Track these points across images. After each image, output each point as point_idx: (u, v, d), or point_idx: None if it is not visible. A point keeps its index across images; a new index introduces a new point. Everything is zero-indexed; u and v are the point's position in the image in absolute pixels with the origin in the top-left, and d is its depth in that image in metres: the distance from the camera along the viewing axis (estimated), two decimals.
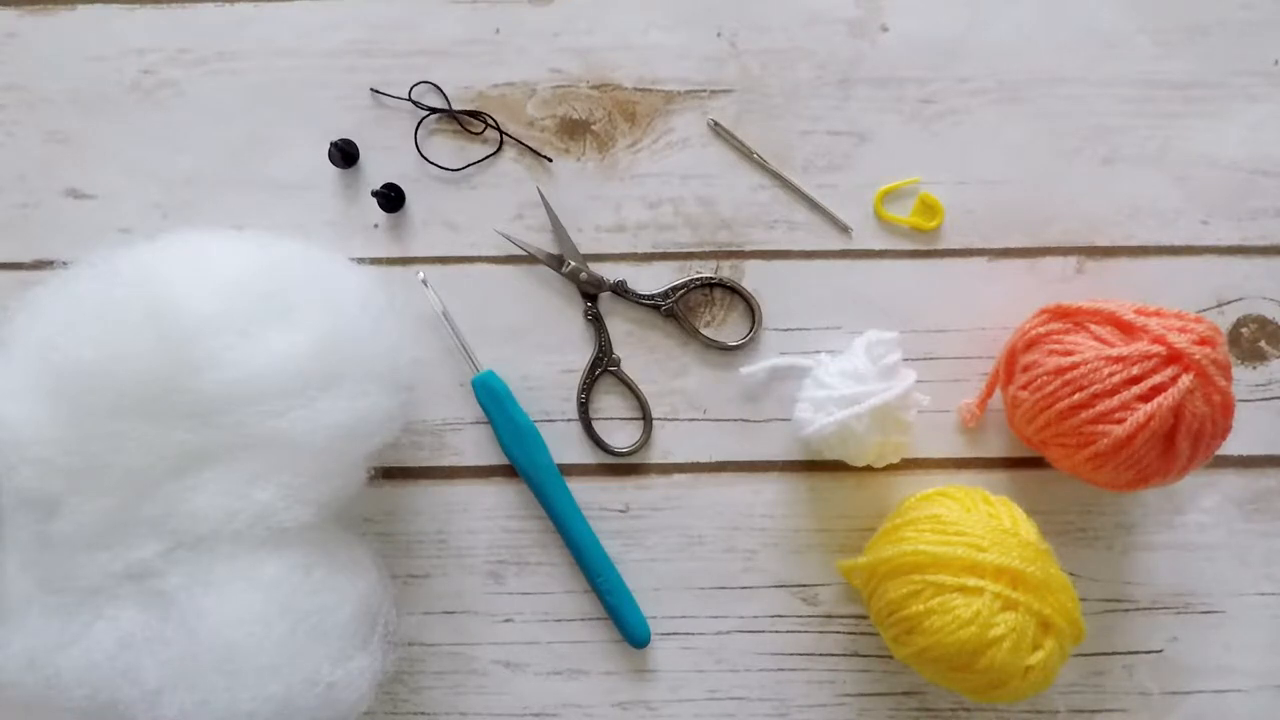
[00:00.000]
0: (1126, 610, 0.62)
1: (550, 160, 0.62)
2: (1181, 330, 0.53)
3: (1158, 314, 0.54)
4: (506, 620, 0.62)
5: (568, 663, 0.62)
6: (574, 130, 0.62)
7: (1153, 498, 0.62)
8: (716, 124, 0.62)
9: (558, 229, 0.62)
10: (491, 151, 0.62)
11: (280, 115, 0.62)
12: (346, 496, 0.55)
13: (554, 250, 0.62)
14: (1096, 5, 0.62)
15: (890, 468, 0.60)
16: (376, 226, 0.62)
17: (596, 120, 0.62)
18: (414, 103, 0.62)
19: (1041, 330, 0.56)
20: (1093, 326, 0.54)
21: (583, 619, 0.62)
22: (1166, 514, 0.62)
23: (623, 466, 0.62)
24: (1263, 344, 0.62)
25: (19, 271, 0.62)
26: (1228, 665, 0.62)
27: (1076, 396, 0.53)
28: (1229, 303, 0.62)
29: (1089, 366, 0.53)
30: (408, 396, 0.56)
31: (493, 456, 0.62)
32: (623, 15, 0.62)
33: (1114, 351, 0.52)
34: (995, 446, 0.62)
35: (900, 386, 0.56)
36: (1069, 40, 0.62)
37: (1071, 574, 0.55)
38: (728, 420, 0.62)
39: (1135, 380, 0.52)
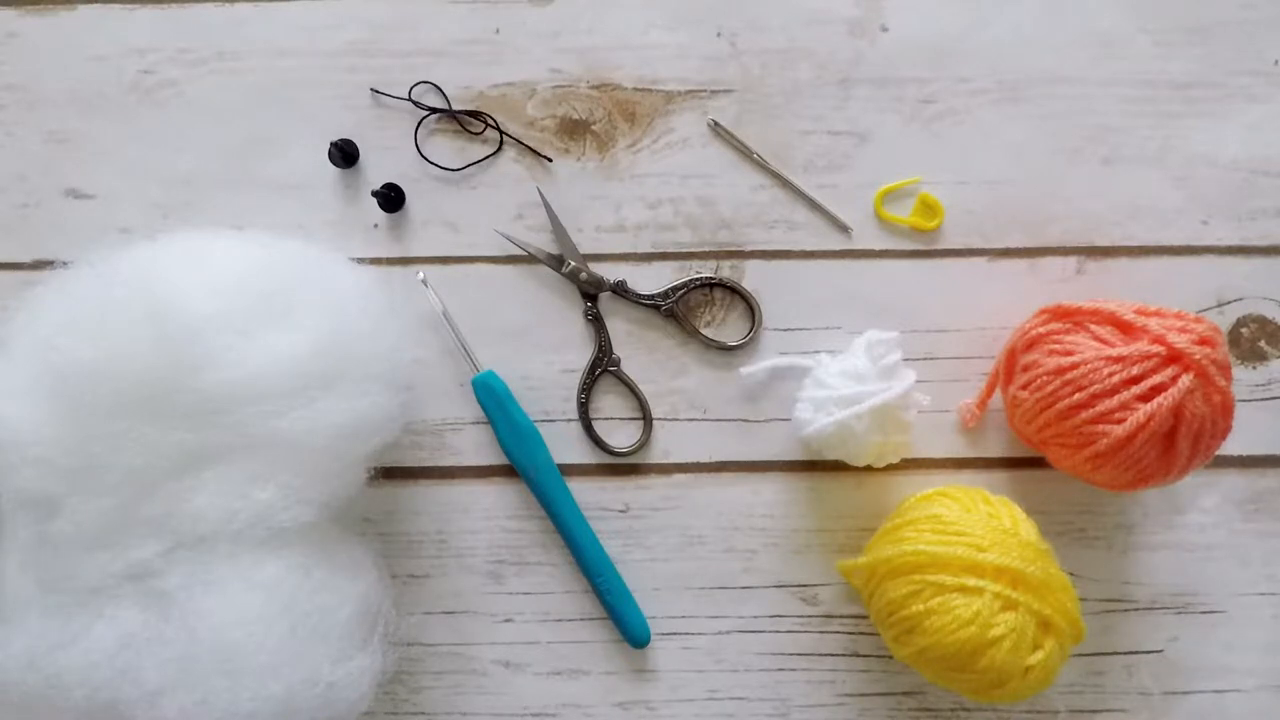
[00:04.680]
0: (1126, 610, 0.62)
1: (550, 160, 0.62)
2: (1181, 330, 0.52)
3: (1158, 314, 0.54)
4: (506, 620, 0.62)
5: (568, 663, 0.62)
6: (574, 130, 0.62)
7: (1153, 498, 0.62)
8: (716, 124, 0.62)
9: (558, 229, 0.62)
10: (491, 151, 0.62)
11: (280, 115, 0.62)
12: (346, 496, 0.55)
13: (554, 250, 0.62)
14: (1096, 5, 0.62)
15: (890, 468, 0.60)
16: (376, 226, 0.62)
17: (596, 120, 0.62)
18: (414, 103, 0.62)
19: (1041, 330, 0.56)
20: (1093, 326, 0.54)
21: (583, 619, 0.62)
22: (1166, 514, 0.62)
23: (623, 466, 0.62)
24: (1263, 344, 0.62)
25: (19, 271, 0.62)
26: (1228, 665, 0.62)
27: (1076, 396, 0.53)
28: (1229, 303, 0.62)
29: (1089, 366, 0.53)
30: (408, 396, 0.56)
31: (493, 456, 0.62)
32: (623, 15, 0.62)
33: (1114, 351, 0.52)
34: (995, 446, 0.62)
35: (900, 386, 0.56)
36: (1069, 40, 0.62)
37: (1071, 574, 0.55)
38: (728, 420, 0.62)
39: (1135, 380, 0.52)
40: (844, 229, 0.62)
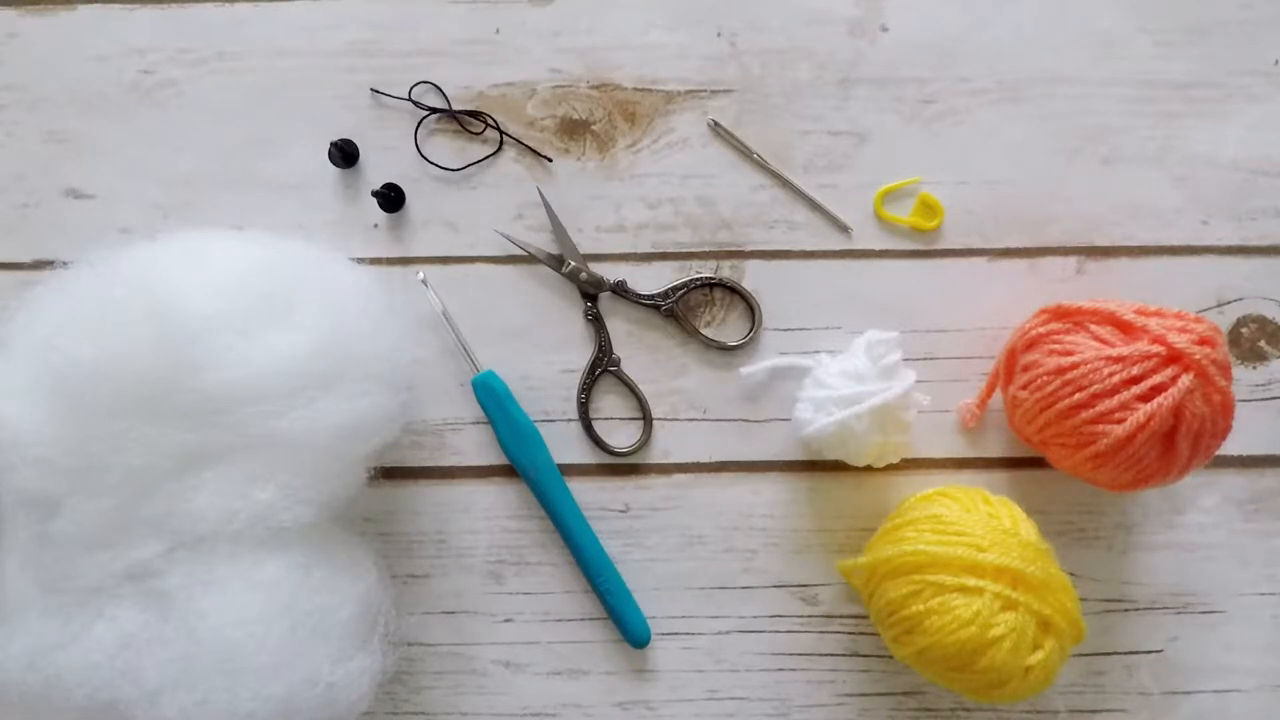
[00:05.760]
0: (1126, 610, 0.62)
1: (550, 160, 0.62)
2: (1181, 330, 0.52)
3: (1158, 314, 0.54)
4: (506, 620, 0.62)
5: (568, 663, 0.62)
6: (574, 130, 0.62)
7: (1153, 498, 0.62)
8: (716, 124, 0.62)
9: (558, 229, 0.62)
10: (491, 151, 0.62)
11: (280, 115, 0.62)
12: (346, 496, 0.55)
13: (554, 250, 0.62)
14: (1096, 5, 0.62)
15: (890, 468, 0.60)
16: (376, 226, 0.62)
17: (596, 120, 0.62)
18: (414, 103, 0.62)
19: (1041, 330, 0.56)
20: (1093, 326, 0.54)
21: (583, 619, 0.62)
22: (1166, 514, 0.62)
23: (623, 466, 0.62)
24: (1263, 344, 0.62)
25: (19, 271, 0.62)
26: (1228, 665, 0.62)
27: (1076, 396, 0.53)
28: (1229, 303, 0.62)
29: (1089, 366, 0.53)
30: (408, 396, 0.56)
31: (493, 456, 0.62)
32: (623, 15, 0.62)
33: (1114, 351, 0.52)
34: (995, 446, 0.62)
35: (900, 386, 0.56)
36: (1069, 40, 0.62)
37: (1071, 574, 0.55)
38: (728, 420, 0.62)
39: (1135, 380, 0.52)
40: (844, 229, 0.62)
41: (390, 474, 0.61)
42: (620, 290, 0.62)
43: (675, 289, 0.62)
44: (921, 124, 0.62)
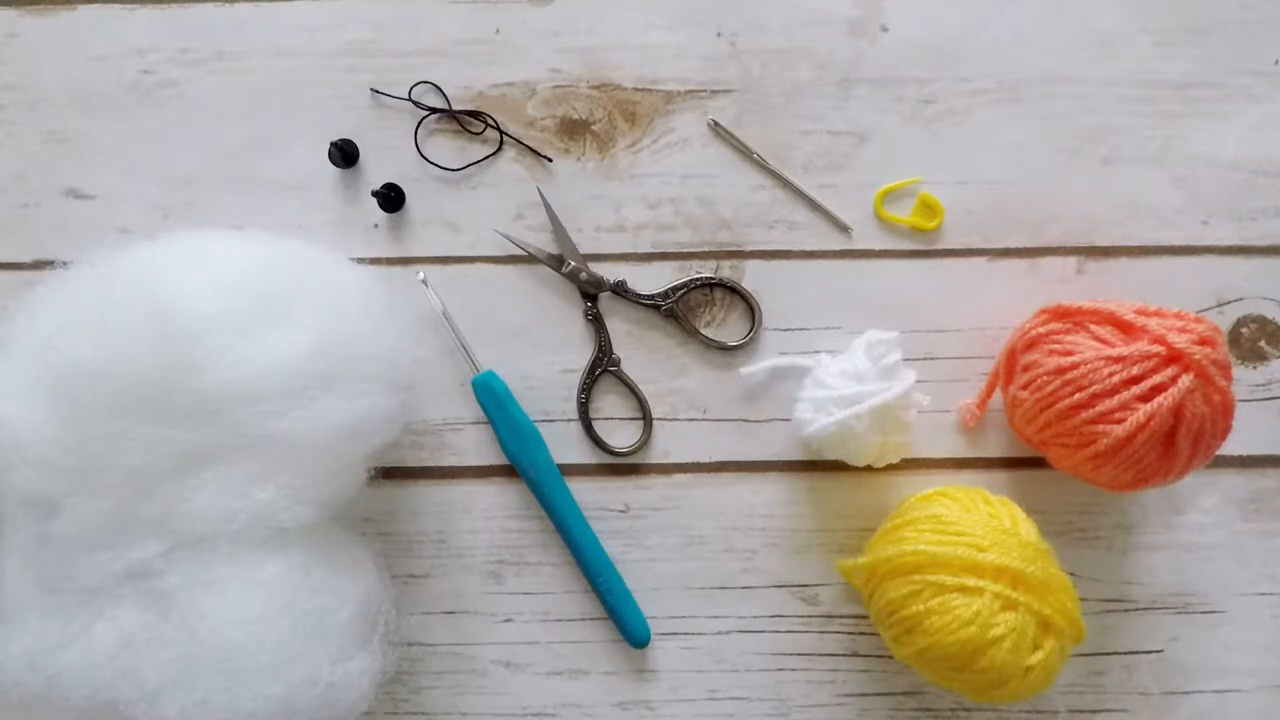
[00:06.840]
0: (1126, 610, 0.62)
1: (550, 160, 0.62)
2: (1181, 330, 0.52)
3: (1158, 314, 0.54)
4: (506, 620, 0.62)
5: (568, 663, 0.62)
6: (574, 130, 0.62)
7: (1153, 498, 0.62)
8: (716, 124, 0.62)
9: (558, 229, 0.62)
10: (491, 151, 0.62)
11: (280, 115, 0.62)
12: (346, 496, 0.55)
13: (554, 250, 0.62)
14: (1096, 5, 0.62)
15: (890, 468, 0.60)
16: (376, 226, 0.62)
17: (596, 120, 0.62)
18: (414, 103, 0.62)
19: (1041, 330, 0.56)
20: (1093, 326, 0.54)
21: (583, 619, 0.62)
22: (1166, 514, 0.62)
23: (623, 466, 0.62)
24: (1263, 344, 0.62)
25: (19, 271, 0.62)
26: (1228, 665, 0.62)
27: (1076, 396, 0.53)
28: (1229, 303, 0.62)
29: (1089, 366, 0.53)
30: (408, 396, 0.56)
31: (493, 456, 0.62)
32: (623, 15, 0.62)
33: (1114, 351, 0.52)
34: (995, 446, 0.62)
35: (900, 386, 0.56)
36: (1069, 40, 0.62)
37: (1071, 574, 0.55)
38: (728, 420, 0.62)
39: (1135, 380, 0.52)
40: (844, 229, 0.62)
41: (390, 474, 0.61)
42: (620, 290, 0.62)
43: (675, 289, 0.62)
44: (921, 124, 0.62)
